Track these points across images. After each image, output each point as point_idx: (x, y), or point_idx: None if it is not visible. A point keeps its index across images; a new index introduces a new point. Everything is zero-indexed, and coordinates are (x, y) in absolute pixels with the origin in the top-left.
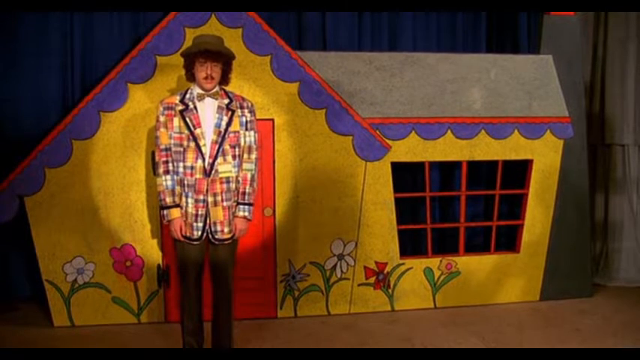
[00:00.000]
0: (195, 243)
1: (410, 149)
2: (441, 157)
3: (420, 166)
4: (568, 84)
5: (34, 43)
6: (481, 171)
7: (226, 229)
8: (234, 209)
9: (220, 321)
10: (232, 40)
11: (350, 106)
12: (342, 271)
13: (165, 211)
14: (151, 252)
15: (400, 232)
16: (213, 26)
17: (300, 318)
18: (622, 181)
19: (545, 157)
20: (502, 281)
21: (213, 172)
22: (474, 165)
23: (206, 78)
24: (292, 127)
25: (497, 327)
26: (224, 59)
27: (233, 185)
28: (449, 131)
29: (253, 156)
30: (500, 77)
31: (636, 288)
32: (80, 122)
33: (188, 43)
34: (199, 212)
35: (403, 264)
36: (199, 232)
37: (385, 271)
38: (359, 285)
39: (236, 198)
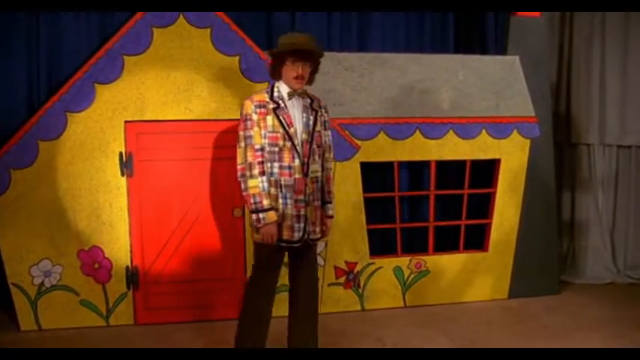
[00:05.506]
0: (295, 245)
1: (379, 149)
2: (410, 156)
3: (389, 166)
4: (534, 84)
5: None
6: (450, 171)
7: (318, 229)
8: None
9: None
10: (201, 40)
11: None
12: None
13: (261, 215)
14: (120, 254)
15: (370, 232)
16: (181, 26)
17: (271, 319)
18: (588, 180)
19: (513, 156)
20: (471, 280)
21: (309, 171)
22: (442, 165)
23: (297, 78)
24: None
25: (466, 325)
26: (315, 59)
27: (320, 184)
28: (417, 131)
29: (331, 155)
30: (467, 78)
31: (602, 285)
32: (46, 123)
33: (156, 43)
34: (300, 213)
35: (373, 263)
36: (300, 234)
37: (355, 271)
38: (329, 285)
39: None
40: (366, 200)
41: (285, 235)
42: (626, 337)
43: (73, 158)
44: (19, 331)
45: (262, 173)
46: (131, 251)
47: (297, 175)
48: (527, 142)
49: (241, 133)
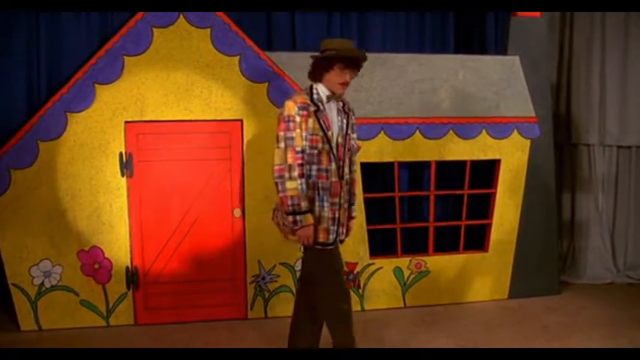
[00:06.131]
0: (330, 247)
1: (379, 149)
2: (410, 157)
3: (389, 166)
4: (534, 84)
5: None
6: (450, 171)
7: (344, 230)
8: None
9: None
10: (201, 40)
11: None
12: None
13: (299, 217)
14: (120, 254)
15: (370, 232)
16: (182, 26)
17: (271, 319)
18: (588, 180)
19: (513, 156)
20: (471, 280)
21: (344, 174)
22: (443, 165)
23: (343, 84)
24: (261, 128)
25: (466, 325)
26: (360, 67)
27: (349, 187)
28: (417, 131)
29: (356, 158)
30: (468, 78)
31: (602, 285)
32: (46, 123)
33: (156, 43)
34: (336, 215)
35: (373, 264)
36: (334, 236)
37: (355, 271)
38: None
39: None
40: (366, 200)
41: (321, 237)
42: (626, 337)
43: (73, 158)
44: (19, 331)
45: (302, 175)
46: (131, 251)
47: (333, 179)
48: (528, 142)
49: (282, 133)
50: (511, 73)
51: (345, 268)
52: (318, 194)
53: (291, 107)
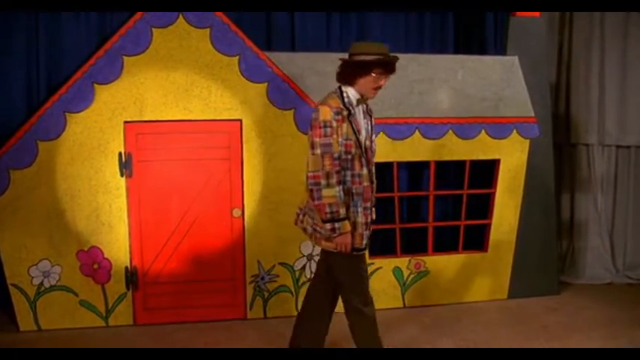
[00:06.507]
0: (362, 252)
1: (378, 149)
2: (410, 157)
3: (388, 166)
4: (534, 84)
5: None
6: (449, 171)
7: (369, 232)
8: None
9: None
10: (200, 40)
11: None
12: (311, 271)
13: (336, 224)
14: (119, 254)
15: None
16: (181, 26)
17: (270, 319)
18: (587, 180)
19: (512, 156)
20: (470, 280)
21: (373, 178)
22: (442, 165)
23: (377, 89)
24: (261, 128)
25: (466, 325)
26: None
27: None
28: (417, 131)
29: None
30: (467, 78)
31: (601, 285)
32: (46, 123)
33: (155, 43)
34: (368, 220)
35: (372, 264)
36: (366, 241)
37: None
38: None
39: None
40: None
41: (357, 243)
42: (625, 337)
43: (72, 159)
44: (19, 331)
45: (339, 182)
46: (130, 252)
47: (365, 183)
48: (527, 142)
49: (317, 139)
50: (510, 74)
51: None
52: (352, 200)
53: (326, 112)
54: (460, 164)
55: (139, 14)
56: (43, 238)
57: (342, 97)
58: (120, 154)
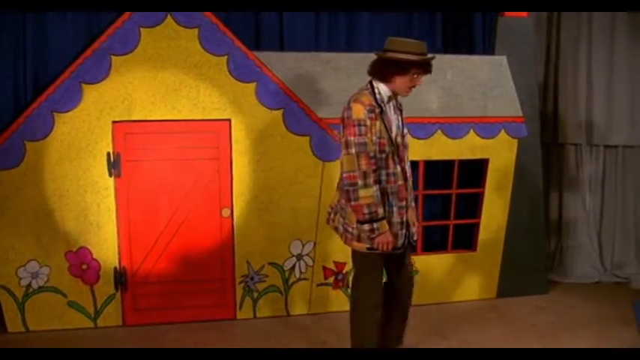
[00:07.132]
0: (398, 252)
1: None
2: None
3: None
4: (522, 84)
5: None
6: (438, 170)
7: (414, 230)
8: None
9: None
10: (188, 40)
11: (307, 107)
12: (300, 271)
13: (376, 224)
14: (108, 255)
15: None
16: (169, 26)
17: (260, 319)
18: (575, 179)
19: (501, 156)
20: (459, 279)
21: (407, 176)
22: (431, 165)
23: (412, 87)
24: (249, 128)
25: (455, 325)
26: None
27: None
28: None
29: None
30: (455, 78)
31: (590, 284)
32: (33, 123)
33: (143, 42)
34: (403, 219)
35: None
36: (402, 240)
37: (344, 271)
38: (318, 285)
39: None
40: None
41: (393, 243)
42: (613, 337)
43: (60, 159)
44: (6, 332)
45: (376, 182)
46: (119, 252)
47: (399, 182)
48: (515, 142)
49: (352, 139)
50: (499, 73)
51: (334, 268)
52: (388, 199)
53: (360, 110)
54: (449, 164)
55: (126, 14)
56: (31, 238)
57: (374, 94)
58: (108, 154)
